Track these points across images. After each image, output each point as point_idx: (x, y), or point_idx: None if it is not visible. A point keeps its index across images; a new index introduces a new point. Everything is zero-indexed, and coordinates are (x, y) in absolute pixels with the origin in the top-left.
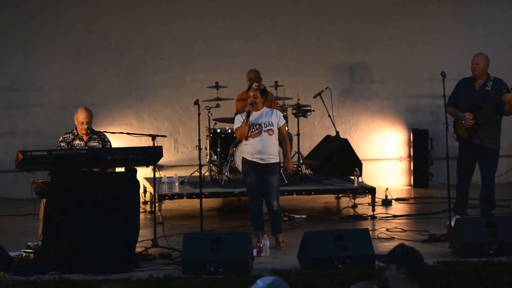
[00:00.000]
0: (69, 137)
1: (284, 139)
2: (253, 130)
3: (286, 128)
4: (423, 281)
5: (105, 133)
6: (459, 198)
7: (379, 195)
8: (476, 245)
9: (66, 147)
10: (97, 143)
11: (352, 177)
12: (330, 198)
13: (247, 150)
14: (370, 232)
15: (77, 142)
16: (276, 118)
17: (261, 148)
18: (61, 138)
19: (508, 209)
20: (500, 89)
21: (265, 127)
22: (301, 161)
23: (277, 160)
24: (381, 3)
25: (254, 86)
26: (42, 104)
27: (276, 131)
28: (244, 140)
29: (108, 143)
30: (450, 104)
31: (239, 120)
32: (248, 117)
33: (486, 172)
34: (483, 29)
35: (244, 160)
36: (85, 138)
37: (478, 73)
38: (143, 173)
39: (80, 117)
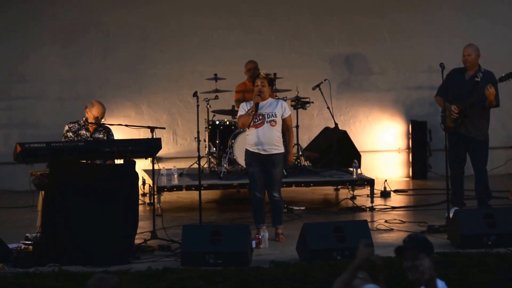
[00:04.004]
0: (75, 126)
1: (288, 130)
2: (256, 120)
3: None
4: None
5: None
6: (454, 190)
7: (378, 187)
8: (475, 236)
9: (73, 136)
10: (103, 135)
11: (351, 169)
12: (329, 190)
13: (249, 140)
14: (369, 224)
15: (82, 132)
16: (281, 109)
17: (262, 139)
18: (66, 128)
19: (506, 200)
20: (490, 82)
21: (267, 118)
22: (300, 153)
23: (280, 151)
24: None
25: (263, 74)
26: (40, 96)
27: (279, 122)
28: (247, 128)
29: (112, 137)
30: (440, 94)
31: (243, 108)
32: (256, 109)
33: (476, 163)
34: (482, 19)
35: (246, 151)
36: (91, 129)
37: (469, 64)
38: (142, 165)
39: (97, 112)
